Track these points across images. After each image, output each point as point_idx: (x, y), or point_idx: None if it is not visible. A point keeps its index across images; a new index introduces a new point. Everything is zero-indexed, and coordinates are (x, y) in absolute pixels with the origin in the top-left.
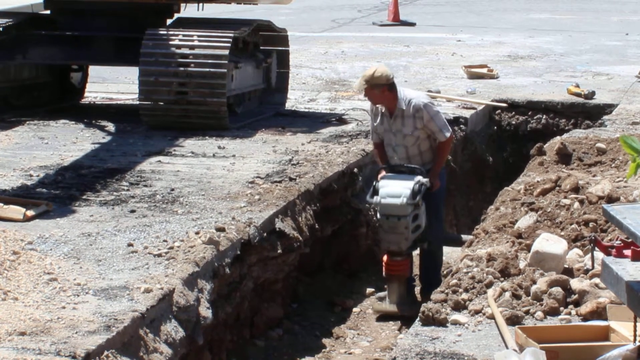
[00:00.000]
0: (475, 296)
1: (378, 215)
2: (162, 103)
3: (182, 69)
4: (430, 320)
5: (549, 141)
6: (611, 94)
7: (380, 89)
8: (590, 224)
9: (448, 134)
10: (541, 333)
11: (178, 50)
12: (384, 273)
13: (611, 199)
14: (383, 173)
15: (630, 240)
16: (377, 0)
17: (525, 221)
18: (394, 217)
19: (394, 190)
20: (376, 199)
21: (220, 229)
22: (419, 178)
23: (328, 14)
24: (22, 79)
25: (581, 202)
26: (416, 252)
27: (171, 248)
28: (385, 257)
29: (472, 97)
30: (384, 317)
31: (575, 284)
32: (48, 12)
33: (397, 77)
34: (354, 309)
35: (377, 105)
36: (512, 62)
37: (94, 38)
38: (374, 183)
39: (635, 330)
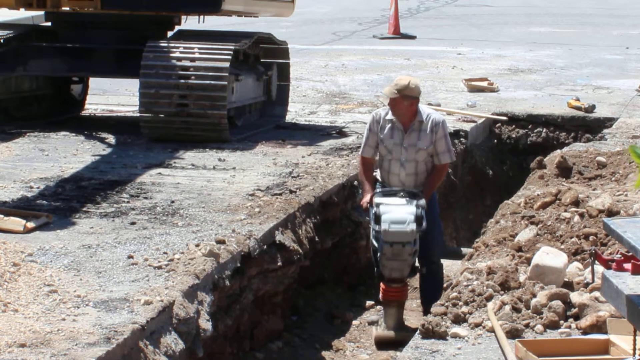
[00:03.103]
0: (475, 309)
1: (375, 243)
2: (162, 115)
3: (182, 81)
4: (430, 333)
5: (549, 154)
6: (611, 108)
7: (410, 101)
8: (591, 238)
9: (452, 159)
10: (541, 346)
11: (179, 63)
12: (380, 298)
13: (611, 213)
14: (377, 198)
15: (630, 254)
16: (378, 13)
17: (526, 234)
18: (399, 244)
19: (398, 216)
20: (384, 227)
21: (221, 242)
22: (417, 201)
23: (329, 27)
24: (22, 91)
25: (581, 215)
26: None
27: (171, 260)
28: (382, 285)
29: (472, 110)
30: (381, 342)
31: (575, 297)
32: (49, 24)
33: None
34: (354, 322)
35: (389, 118)
36: (513, 76)
37: (94, 50)
38: (373, 209)
39: (634, 344)
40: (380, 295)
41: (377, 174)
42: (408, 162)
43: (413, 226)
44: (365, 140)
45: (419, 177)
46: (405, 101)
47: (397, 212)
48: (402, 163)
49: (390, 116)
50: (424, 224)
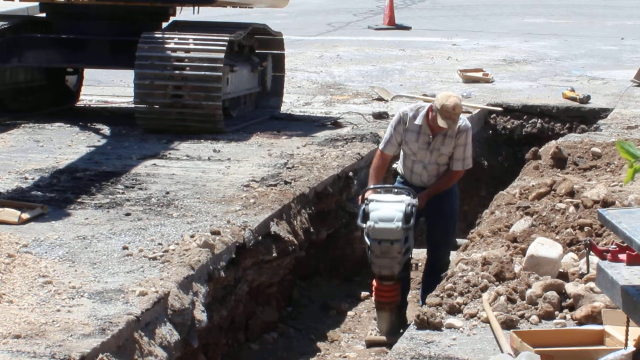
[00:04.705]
0: (470, 300)
1: (367, 240)
2: (157, 106)
3: (177, 72)
4: (425, 324)
5: (544, 145)
6: (606, 99)
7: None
8: (586, 228)
9: (464, 167)
10: (536, 337)
11: (173, 54)
12: (374, 299)
13: (606, 204)
14: (370, 194)
15: (625, 244)
16: (373, 4)
17: (521, 225)
18: (387, 241)
19: (386, 213)
20: (369, 224)
21: (216, 233)
22: (409, 199)
23: (324, 18)
24: (17, 82)
25: (576, 206)
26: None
27: (166, 251)
28: (375, 282)
29: (467, 101)
30: (373, 344)
31: (570, 288)
32: (44, 15)
33: (393, 80)
34: (349, 313)
35: (417, 123)
36: (508, 66)
37: (89, 41)
38: (363, 206)
39: (627, 335)
40: (373, 295)
41: (399, 167)
42: (431, 164)
43: (399, 223)
44: (389, 138)
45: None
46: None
47: (386, 210)
48: (425, 165)
49: (419, 121)
50: (412, 221)
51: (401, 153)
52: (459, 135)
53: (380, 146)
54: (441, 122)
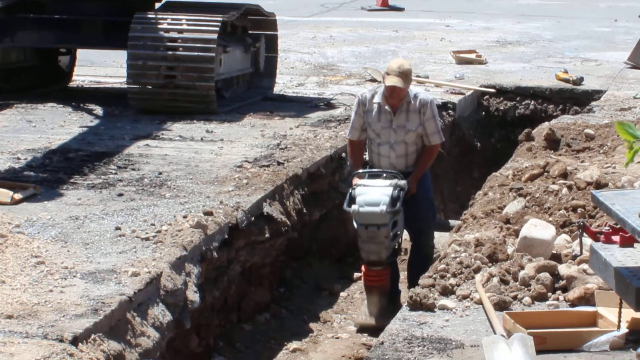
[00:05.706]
0: (463, 281)
1: (355, 224)
2: (150, 87)
3: (170, 52)
4: (418, 305)
5: (537, 127)
6: (599, 80)
7: (409, 84)
8: (579, 210)
9: (442, 139)
10: (529, 318)
11: (166, 34)
12: (363, 284)
13: (599, 185)
14: (357, 179)
15: (618, 226)
16: None
17: (514, 207)
18: (373, 226)
19: (372, 198)
20: (354, 207)
21: (208, 213)
22: (397, 182)
23: None
24: (10, 62)
25: (569, 187)
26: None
27: (159, 232)
28: (363, 267)
29: (460, 83)
30: (364, 328)
31: (563, 269)
32: None
33: (386, 62)
34: (342, 294)
35: (376, 101)
36: (501, 48)
37: (82, 21)
38: (350, 190)
39: (619, 316)
40: (362, 279)
41: (365, 156)
42: (397, 144)
43: (385, 208)
44: (352, 124)
45: (409, 158)
46: (407, 85)
47: (372, 194)
48: (391, 145)
49: (377, 99)
50: (398, 205)
51: (367, 141)
52: (422, 109)
53: (347, 134)
54: (388, 81)
